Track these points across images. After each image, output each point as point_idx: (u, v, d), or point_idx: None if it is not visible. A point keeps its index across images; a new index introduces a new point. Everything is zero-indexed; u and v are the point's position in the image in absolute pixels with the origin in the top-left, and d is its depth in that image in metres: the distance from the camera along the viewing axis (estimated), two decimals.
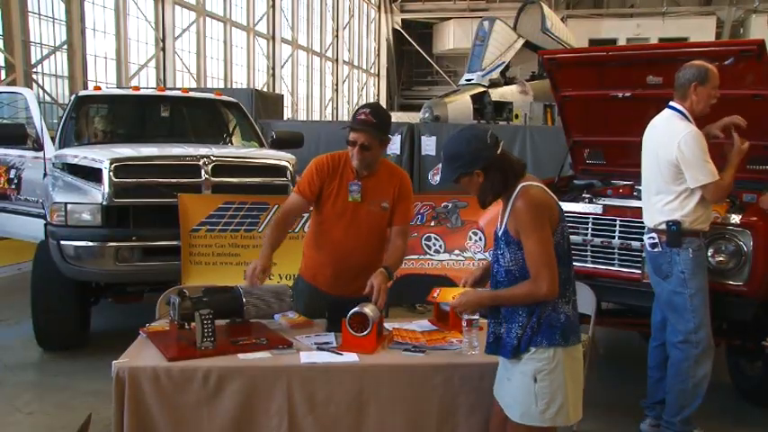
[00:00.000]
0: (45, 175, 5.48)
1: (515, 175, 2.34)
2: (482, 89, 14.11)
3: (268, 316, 3.00)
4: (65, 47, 12.87)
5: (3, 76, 11.33)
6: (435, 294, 2.96)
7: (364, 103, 2.89)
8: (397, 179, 3.21)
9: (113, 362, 2.47)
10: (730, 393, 4.37)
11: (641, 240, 3.85)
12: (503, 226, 2.36)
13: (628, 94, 4.55)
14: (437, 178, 2.59)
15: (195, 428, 2.47)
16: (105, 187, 4.66)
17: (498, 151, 2.32)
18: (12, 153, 6.09)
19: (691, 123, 3.52)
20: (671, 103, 3.64)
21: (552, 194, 2.37)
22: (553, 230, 2.29)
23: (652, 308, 3.84)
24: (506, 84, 15.12)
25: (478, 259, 5.09)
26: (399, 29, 31.56)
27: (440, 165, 2.42)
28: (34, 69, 12.28)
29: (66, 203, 4.72)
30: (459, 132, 2.41)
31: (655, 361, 3.85)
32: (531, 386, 2.28)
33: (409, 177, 3.35)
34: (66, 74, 13.04)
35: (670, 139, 3.49)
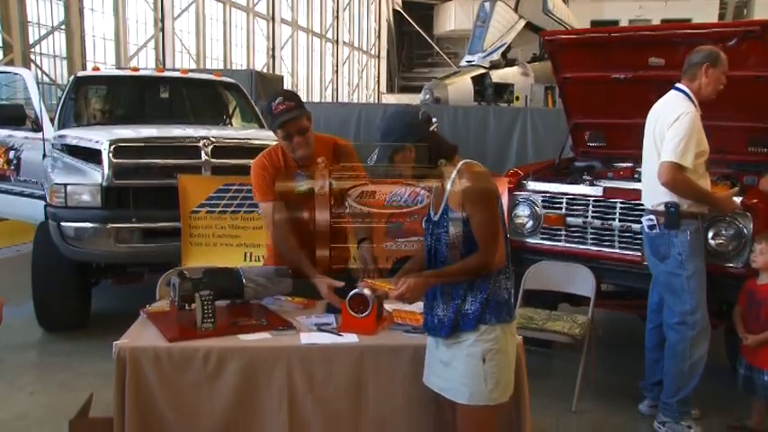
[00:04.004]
0: (44, 156, 5.47)
1: (448, 148, 2.34)
2: (483, 71, 14.06)
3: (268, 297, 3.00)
4: (63, 27, 12.76)
5: (0, 57, 11.25)
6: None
7: (276, 97, 2.86)
8: (333, 147, 3.16)
9: (114, 342, 2.48)
10: (728, 376, 4.38)
11: (641, 222, 3.85)
12: (443, 205, 2.30)
13: (629, 76, 4.52)
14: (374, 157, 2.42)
15: (195, 408, 2.48)
16: (105, 168, 4.65)
17: (431, 128, 2.33)
18: (12, 134, 6.07)
19: (693, 105, 3.50)
20: (677, 85, 3.60)
21: None
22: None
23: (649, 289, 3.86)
24: (507, 65, 15.05)
25: None
26: (400, 10, 31.30)
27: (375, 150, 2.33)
28: (32, 49, 12.18)
29: (65, 185, 4.72)
30: (393, 111, 2.39)
31: (652, 342, 3.87)
32: (479, 367, 2.26)
33: (342, 140, 3.27)
34: (64, 54, 12.94)
35: (668, 118, 3.46)
